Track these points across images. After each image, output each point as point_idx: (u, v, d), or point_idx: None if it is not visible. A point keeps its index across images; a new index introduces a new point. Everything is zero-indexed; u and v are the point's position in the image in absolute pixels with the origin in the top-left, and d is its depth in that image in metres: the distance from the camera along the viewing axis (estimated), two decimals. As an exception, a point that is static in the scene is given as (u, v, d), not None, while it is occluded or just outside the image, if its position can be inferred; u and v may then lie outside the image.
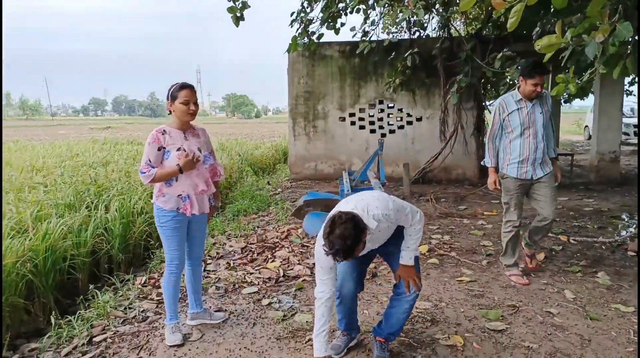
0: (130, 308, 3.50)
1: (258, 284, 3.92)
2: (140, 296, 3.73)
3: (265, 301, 3.56)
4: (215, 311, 3.34)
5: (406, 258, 2.50)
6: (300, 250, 4.78)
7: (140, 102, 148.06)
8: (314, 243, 4.95)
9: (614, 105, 8.23)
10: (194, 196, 2.92)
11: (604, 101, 8.30)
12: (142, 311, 3.43)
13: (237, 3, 6.31)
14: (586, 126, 19.31)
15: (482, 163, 4.41)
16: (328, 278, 2.40)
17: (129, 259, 4.78)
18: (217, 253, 4.74)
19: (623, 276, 3.96)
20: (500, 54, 6.54)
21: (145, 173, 2.79)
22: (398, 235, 2.54)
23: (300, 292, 3.77)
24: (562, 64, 3.74)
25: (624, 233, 5.25)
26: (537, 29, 6.08)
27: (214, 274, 4.16)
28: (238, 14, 6.34)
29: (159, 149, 2.82)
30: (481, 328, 3.07)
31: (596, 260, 4.40)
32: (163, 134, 2.84)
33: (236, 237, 5.32)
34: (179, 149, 2.85)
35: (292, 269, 4.25)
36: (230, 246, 4.95)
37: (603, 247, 4.79)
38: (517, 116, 3.71)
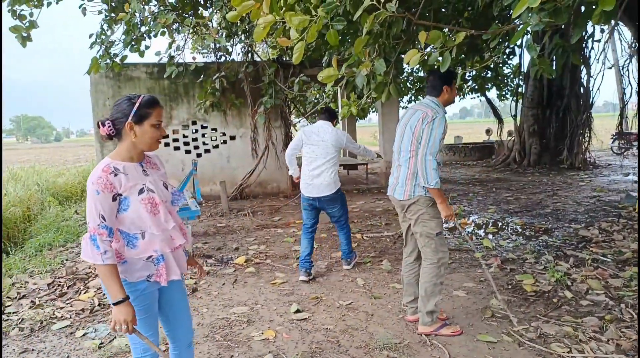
0: None
1: (70, 318, 3.76)
2: None
3: (79, 333, 3.46)
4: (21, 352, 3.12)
5: None
6: (117, 277, 4.67)
7: None
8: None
9: (392, 121, 9.86)
10: (170, 254, 2.03)
11: (385, 118, 9.90)
12: None
13: (24, 22, 5.83)
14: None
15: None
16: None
17: None
18: (18, 293, 4.33)
19: (400, 262, 4.89)
20: (298, 78, 7.35)
21: (97, 249, 1.79)
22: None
23: (119, 318, 3.74)
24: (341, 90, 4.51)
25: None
26: (326, 57, 7.06)
27: (16, 315, 3.83)
28: (24, 34, 5.84)
29: (114, 199, 1.85)
30: (290, 321, 3.53)
31: (382, 251, 5.33)
32: (116, 174, 1.86)
33: (40, 274, 4.91)
34: (142, 192, 1.92)
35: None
36: (35, 283, 4.56)
37: (387, 240, 5.81)
38: None
